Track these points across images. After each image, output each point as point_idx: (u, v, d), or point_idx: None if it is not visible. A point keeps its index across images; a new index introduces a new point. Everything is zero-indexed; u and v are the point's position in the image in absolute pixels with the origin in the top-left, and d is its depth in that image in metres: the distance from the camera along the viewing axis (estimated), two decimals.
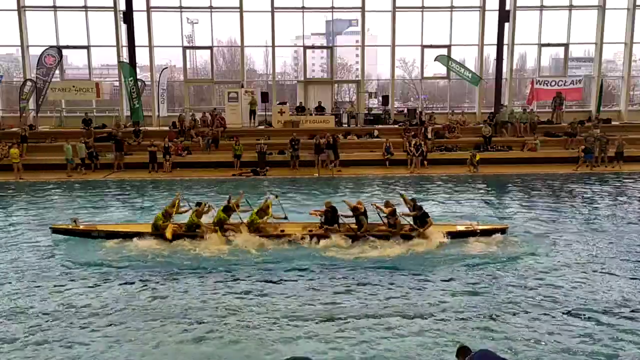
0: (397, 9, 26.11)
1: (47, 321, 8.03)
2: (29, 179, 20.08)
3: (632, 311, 8.19)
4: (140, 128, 23.91)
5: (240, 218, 12.05)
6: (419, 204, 12.13)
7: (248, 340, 7.37)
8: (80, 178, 20.41)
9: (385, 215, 11.80)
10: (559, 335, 7.47)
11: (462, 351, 5.60)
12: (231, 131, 23.78)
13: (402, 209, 12.25)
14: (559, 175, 20.13)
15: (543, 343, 7.25)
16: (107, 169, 21.52)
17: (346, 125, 25.23)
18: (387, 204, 12.00)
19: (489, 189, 18.30)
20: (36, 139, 23.45)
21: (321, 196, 16.16)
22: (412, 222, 11.75)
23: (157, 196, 17.15)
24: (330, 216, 11.86)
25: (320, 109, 25.86)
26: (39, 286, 9.43)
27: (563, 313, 8.15)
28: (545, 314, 8.12)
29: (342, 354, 7.03)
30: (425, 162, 21.71)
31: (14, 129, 23.79)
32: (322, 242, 11.31)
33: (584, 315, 8.08)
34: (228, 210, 12.03)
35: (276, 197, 12.75)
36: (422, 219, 11.67)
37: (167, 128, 24.25)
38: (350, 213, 11.86)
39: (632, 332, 7.56)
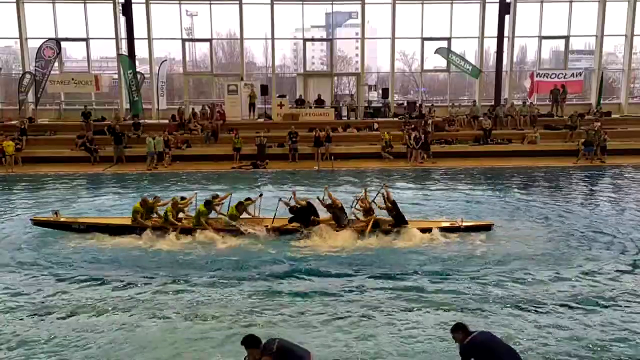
0: (397, 1, 25.98)
1: (22, 319, 7.91)
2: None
3: None
4: (140, 121, 23.87)
5: (222, 213, 11.98)
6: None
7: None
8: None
9: (359, 209, 11.76)
10: (558, 327, 7.47)
11: (461, 327, 5.46)
12: (231, 124, 23.74)
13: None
14: (559, 169, 20.12)
15: (547, 336, 7.25)
16: (106, 162, 21.47)
17: (346, 118, 25.21)
18: (363, 200, 11.83)
19: (488, 182, 18.25)
20: (35, 131, 23.41)
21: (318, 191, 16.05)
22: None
23: (156, 189, 17.09)
24: (299, 212, 11.51)
25: (319, 102, 25.79)
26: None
27: (563, 305, 8.17)
28: (540, 308, 8.13)
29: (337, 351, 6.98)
30: (430, 154, 21.57)
31: (13, 122, 23.74)
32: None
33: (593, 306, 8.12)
34: (209, 204, 11.83)
35: (260, 195, 12.59)
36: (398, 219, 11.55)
37: (166, 121, 24.17)
38: (326, 207, 11.64)
39: None
